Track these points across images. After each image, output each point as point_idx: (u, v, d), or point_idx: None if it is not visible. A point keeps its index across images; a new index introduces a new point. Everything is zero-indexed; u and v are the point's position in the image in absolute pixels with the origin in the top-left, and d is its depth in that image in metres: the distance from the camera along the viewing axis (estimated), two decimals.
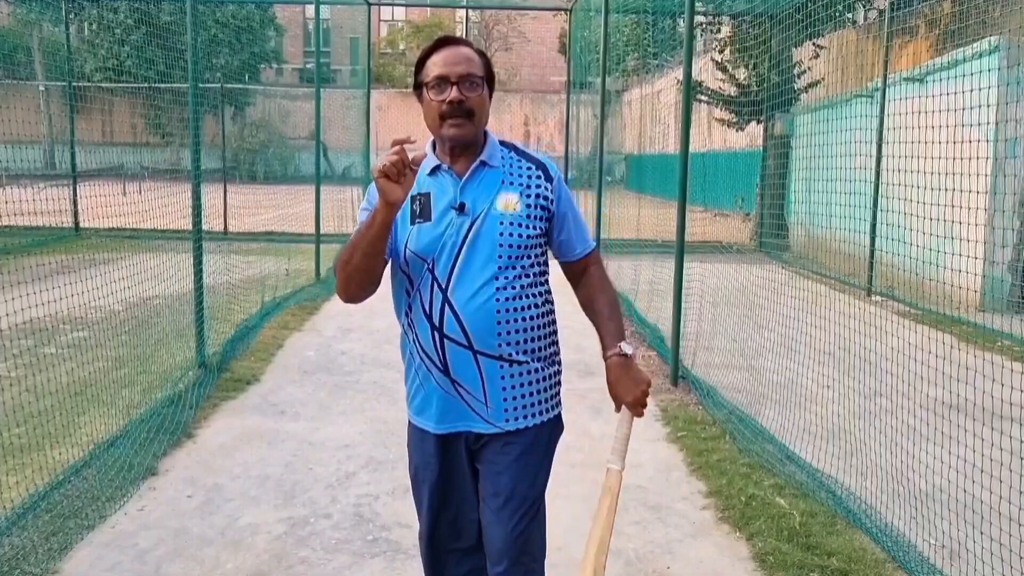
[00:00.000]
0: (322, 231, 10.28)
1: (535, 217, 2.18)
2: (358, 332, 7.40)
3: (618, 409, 2.21)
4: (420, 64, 2.19)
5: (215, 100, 18.70)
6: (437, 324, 2.14)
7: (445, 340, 2.13)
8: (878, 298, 9.85)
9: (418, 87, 2.20)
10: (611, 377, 2.20)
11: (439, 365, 2.17)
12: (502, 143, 2.28)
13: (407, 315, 2.22)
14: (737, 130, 15.93)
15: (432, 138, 2.25)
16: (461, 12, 41.93)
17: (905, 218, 7.23)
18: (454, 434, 2.23)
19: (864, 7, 16.17)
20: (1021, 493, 3.63)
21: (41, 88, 27.91)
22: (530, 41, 42.12)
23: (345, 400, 5.56)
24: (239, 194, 16.29)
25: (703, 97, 16.68)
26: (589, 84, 17.10)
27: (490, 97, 2.21)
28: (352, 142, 15.42)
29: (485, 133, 2.24)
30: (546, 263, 2.27)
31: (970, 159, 7.03)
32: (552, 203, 2.23)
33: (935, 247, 6.93)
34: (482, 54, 2.21)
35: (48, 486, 3.82)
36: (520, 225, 2.15)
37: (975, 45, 9.12)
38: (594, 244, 2.36)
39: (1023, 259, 8.87)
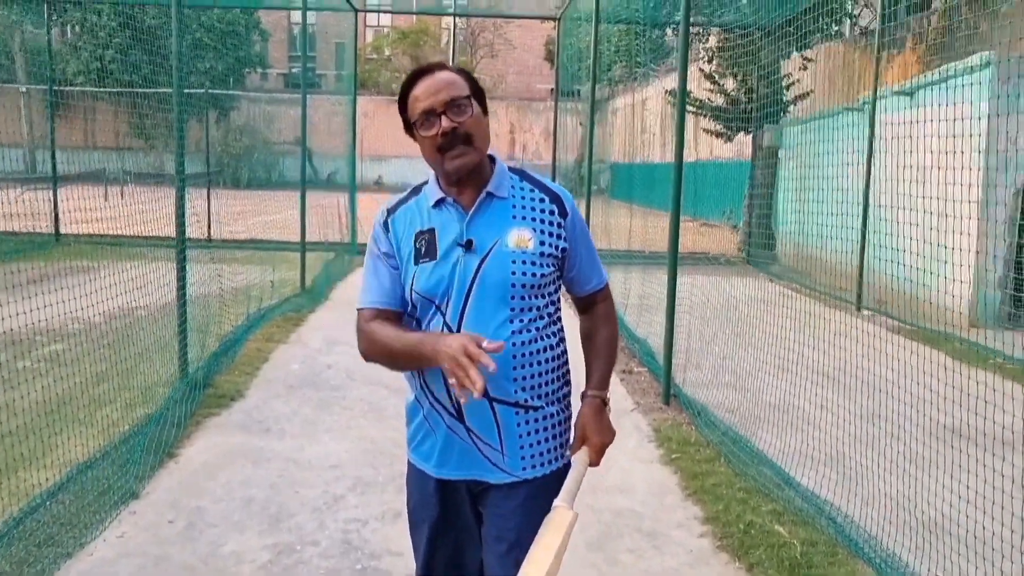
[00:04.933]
0: (307, 239, 10.12)
1: (549, 255, 2.05)
2: (344, 345, 7.26)
3: (574, 450, 2.12)
4: (402, 103, 2.06)
5: (200, 105, 18.52)
6: None
7: None
8: (868, 313, 9.81)
9: (408, 127, 2.07)
10: (586, 415, 2.12)
11: (452, 412, 2.04)
12: (512, 170, 2.14)
13: None
14: (725, 141, 15.92)
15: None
16: (447, 19, 41.85)
17: (896, 230, 7.18)
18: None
19: (851, 20, 16.24)
20: None
21: (22, 90, 27.63)
22: (516, 48, 42.14)
23: (332, 417, 5.43)
24: (223, 200, 16.08)
25: (691, 107, 16.67)
26: (576, 92, 17.05)
27: (485, 113, 2.07)
28: (337, 147, 15.29)
29: (492, 159, 2.11)
30: (559, 299, 2.15)
31: (961, 169, 6.99)
32: (566, 239, 2.09)
33: (925, 262, 6.89)
34: (463, 72, 2.07)
35: (22, 511, 3.67)
36: (533, 264, 2.02)
37: (967, 60, 9.11)
38: (606, 279, 2.24)
39: (1013, 274, 8.85)
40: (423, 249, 2.03)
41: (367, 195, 18.34)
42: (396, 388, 5.78)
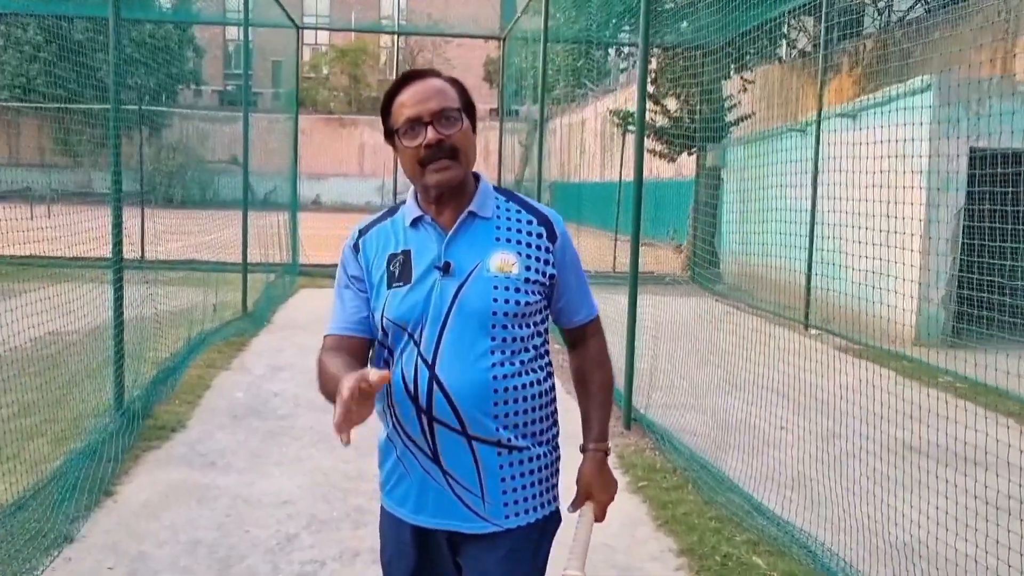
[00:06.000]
0: (248, 260, 9.76)
1: (535, 282, 1.87)
2: (290, 371, 6.97)
3: (576, 507, 2.00)
4: (386, 108, 1.87)
5: (131, 121, 17.96)
6: (424, 406, 1.82)
7: (435, 424, 1.82)
8: (815, 331, 9.86)
9: (390, 135, 1.88)
10: (588, 472, 1.99)
11: (427, 452, 1.85)
12: (497, 190, 1.97)
13: (386, 393, 1.89)
14: (669, 161, 16.01)
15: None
16: (385, 38, 41.68)
17: (841, 249, 7.21)
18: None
19: (788, 43, 16.54)
20: (998, 543, 3.51)
21: None
22: (455, 68, 42.00)
23: (280, 448, 5.15)
24: (156, 219, 15.52)
25: (634, 128, 16.72)
26: (515, 112, 16.97)
27: (474, 129, 1.91)
28: (274, 166, 14.93)
29: (476, 177, 1.94)
30: (547, 330, 1.97)
31: (904, 189, 7.06)
32: (554, 265, 1.92)
33: (871, 279, 6.93)
34: (455, 82, 1.90)
35: None
36: (517, 290, 1.84)
37: (908, 83, 9.27)
38: (597, 311, 2.07)
39: (956, 292, 8.98)
40: (396, 272, 1.86)
41: (306, 214, 18.00)
42: None
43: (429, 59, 42.34)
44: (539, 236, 1.92)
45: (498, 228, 1.89)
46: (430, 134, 1.80)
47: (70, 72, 8.03)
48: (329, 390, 1.74)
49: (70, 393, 5.60)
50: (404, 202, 1.97)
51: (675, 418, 5.85)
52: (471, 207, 1.88)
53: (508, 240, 1.88)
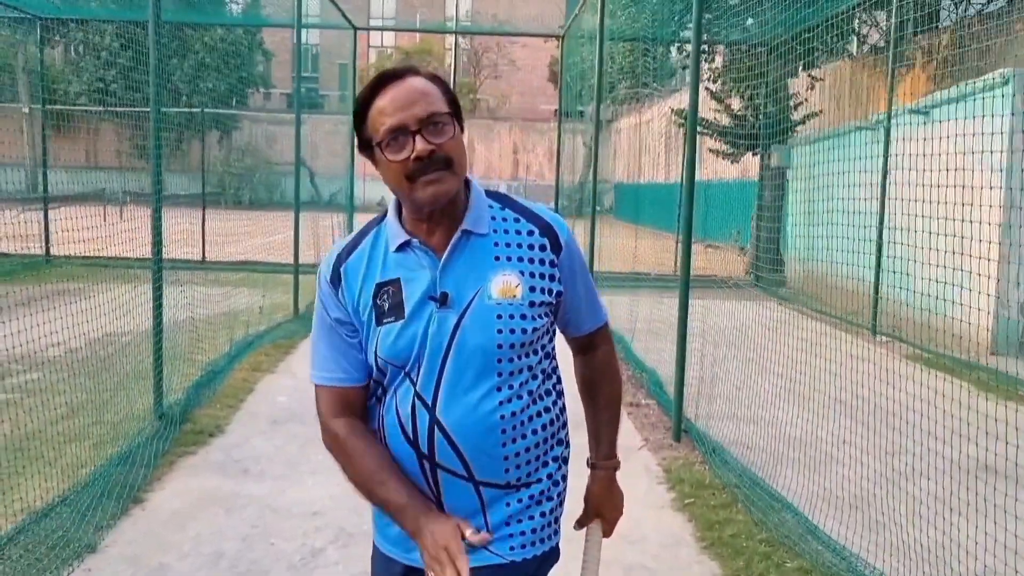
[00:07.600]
0: (301, 261, 9.75)
1: (541, 304, 1.67)
2: None
3: (583, 525, 1.92)
4: (361, 116, 1.63)
5: (198, 124, 18.30)
6: (426, 451, 1.64)
7: (438, 471, 1.64)
8: (883, 339, 9.42)
9: (367, 146, 1.65)
10: (597, 490, 1.90)
11: (430, 497, 1.68)
12: (490, 195, 1.75)
13: (378, 431, 1.72)
14: (732, 161, 15.59)
15: (394, 199, 1.73)
16: (451, 38, 41.80)
17: (912, 252, 6.83)
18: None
19: (859, 39, 15.99)
20: None
21: (25, 110, 27.58)
22: (520, 69, 42.05)
23: (317, 455, 5.03)
24: (222, 220, 15.77)
25: (698, 127, 16.32)
26: (579, 113, 16.74)
27: (462, 129, 1.67)
28: (339, 168, 15.02)
29: (467, 184, 1.71)
30: (554, 347, 1.78)
31: (981, 188, 6.66)
32: (561, 280, 1.72)
33: (943, 286, 6.52)
34: (437, 79, 1.66)
35: None
36: (523, 317, 1.64)
37: (986, 77, 8.78)
38: (605, 317, 1.88)
39: None
40: (386, 306, 1.65)
41: (368, 216, 18.08)
42: None
43: (494, 60, 42.38)
44: (542, 248, 1.71)
45: (496, 245, 1.68)
46: (419, 145, 1.57)
47: (143, 77, 8.15)
48: (374, 492, 1.67)
49: (115, 396, 5.59)
50: (382, 221, 1.75)
51: (729, 430, 5.58)
52: (465, 224, 1.66)
53: (508, 258, 1.67)
